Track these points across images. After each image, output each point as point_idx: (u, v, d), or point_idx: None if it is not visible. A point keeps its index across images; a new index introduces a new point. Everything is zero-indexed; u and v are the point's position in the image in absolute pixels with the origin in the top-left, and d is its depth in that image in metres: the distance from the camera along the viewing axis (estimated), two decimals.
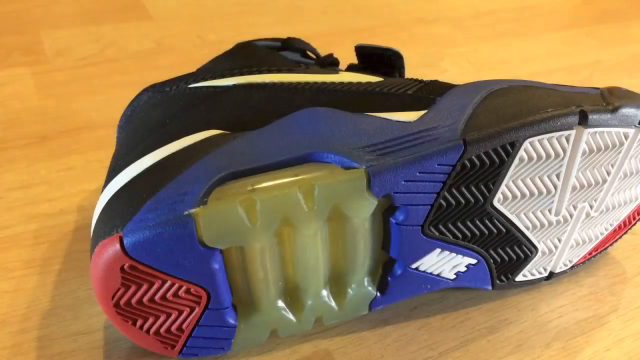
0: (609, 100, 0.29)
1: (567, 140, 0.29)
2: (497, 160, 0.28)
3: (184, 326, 0.28)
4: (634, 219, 0.36)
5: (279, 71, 0.32)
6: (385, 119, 0.28)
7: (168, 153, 0.27)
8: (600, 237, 0.35)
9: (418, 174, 0.27)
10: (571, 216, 0.32)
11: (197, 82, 0.32)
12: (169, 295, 0.27)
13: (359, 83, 0.31)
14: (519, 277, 0.34)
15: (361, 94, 0.30)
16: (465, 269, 0.32)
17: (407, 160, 0.26)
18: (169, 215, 0.24)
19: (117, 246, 0.25)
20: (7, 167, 0.41)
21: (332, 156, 0.26)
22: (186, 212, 0.24)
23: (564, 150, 0.29)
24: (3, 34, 0.56)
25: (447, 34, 0.66)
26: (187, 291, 0.27)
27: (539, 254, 0.33)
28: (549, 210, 0.31)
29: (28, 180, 0.40)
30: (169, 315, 0.28)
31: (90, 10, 0.63)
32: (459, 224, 0.29)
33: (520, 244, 0.32)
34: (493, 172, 0.28)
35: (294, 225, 0.26)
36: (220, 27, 0.63)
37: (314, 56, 0.38)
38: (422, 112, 0.28)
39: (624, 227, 0.36)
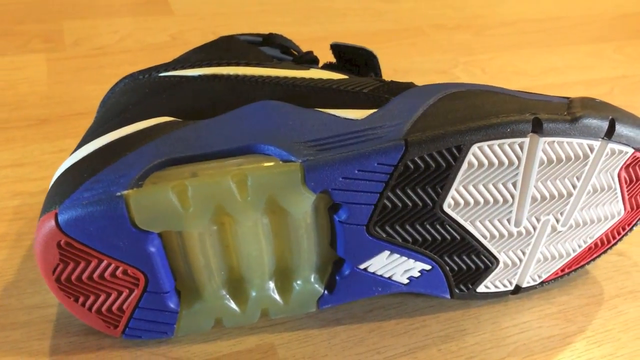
0: (572, 110, 0.28)
1: (521, 148, 0.28)
2: (443, 164, 0.27)
3: (124, 307, 0.29)
4: (614, 238, 0.35)
5: (247, 64, 0.32)
6: (334, 115, 0.28)
7: (119, 136, 0.28)
8: (573, 254, 0.34)
9: (357, 171, 0.26)
10: (534, 229, 0.31)
11: (168, 71, 0.33)
12: (106, 274, 0.27)
13: (320, 79, 0.31)
14: (481, 288, 0.33)
15: (318, 90, 0.30)
16: (419, 274, 0.31)
17: (345, 157, 0.26)
18: (102, 195, 0.25)
19: (53, 222, 0.25)
20: (5, 145, 0.43)
21: (273, 149, 0.27)
22: (118, 194, 0.25)
23: (519, 158, 0.28)
24: (27, 21, 0.59)
25: (467, 41, 0.65)
26: (125, 272, 0.27)
27: (501, 265, 0.32)
28: (508, 221, 0.30)
29: (21, 159, 0.42)
30: (108, 294, 0.28)
31: (114, 2, 0.65)
32: (408, 227, 0.29)
33: (479, 253, 0.31)
34: (440, 175, 0.28)
35: (230, 214, 0.26)
36: (238, 25, 0.63)
37: (296, 53, 0.38)
38: (372, 111, 0.28)
39: (602, 246, 0.35)
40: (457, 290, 0.32)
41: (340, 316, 0.33)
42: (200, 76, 0.32)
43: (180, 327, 0.30)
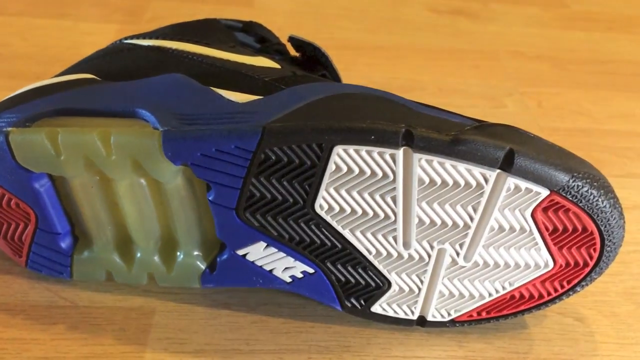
0: (462, 131, 0.26)
1: (394, 159, 0.26)
2: (307, 161, 0.26)
3: (23, 238, 0.31)
4: (548, 294, 0.31)
5: (196, 43, 0.34)
6: (220, 95, 0.28)
7: (45, 83, 0.31)
8: (488, 298, 0.31)
9: (214, 150, 0.26)
10: (429, 256, 0.29)
11: (132, 39, 0.35)
12: (3, 203, 0.30)
13: (243, 64, 0.31)
14: (376, 308, 0.31)
15: (226, 72, 0.31)
16: (302, 275, 0.30)
17: (203, 133, 0.26)
18: None
19: None
20: None
21: (149, 115, 0.28)
22: (4, 129, 0.28)
23: (393, 171, 0.26)
24: None
25: (539, 73, 0.60)
26: (17, 205, 0.30)
27: (395, 288, 0.30)
28: (394, 239, 0.28)
29: None
30: (9, 224, 0.31)
31: None
32: (281, 222, 0.28)
33: (365, 268, 0.29)
34: (305, 172, 0.27)
35: (100, 169, 0.28)
36: (307, 24, 0.65)
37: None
38: (257, 97, 0.28)
39: (530, 299, 0.31)
40: (348, 304, 0.31)
41: (232, 302, 0.33)
42: (147, 46, 0.34)
43: (75, 270, 0.32)
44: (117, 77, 0.31)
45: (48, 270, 0.32)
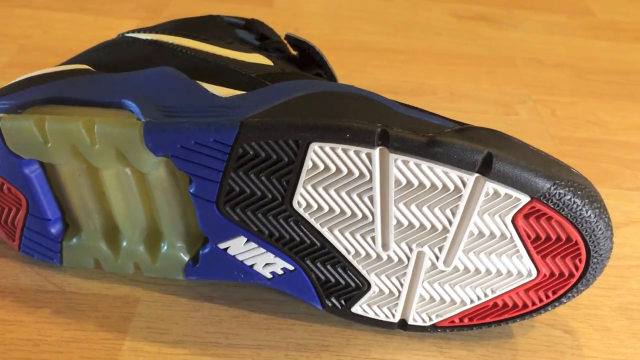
0: (440, 133, 0.26)
1: (370, 159, 0.26)
2: (284, 157, 0.26)
3: (15, 223, 0.32)
4: (533, 304, 0.30)
5: (194, 38, 0.34)
6: (205, 89, 0.29)
7: (44, 72, 0.32)
8: (470, 305, 0.30)
9: (194, 143, 0.27)
10: (408, 258, 0.29)
11: (133, 33, 0.36)
12: None
13: (233, 60, 0.32)
14: (356, 309, 0.31)
15: (215, 67, 0.31)
16: (282, 272, 0.30)
17: (182, 126, 0.27)
18: None
19: None
20: None
21: (134, 107, 0.28)
22: None
23: (369, 171, 0.26)
24: None
25: (556, 81, 0.59)
26: (9, 190, 0.31)
27: (375, 289, 0.30)
28: (373, 240, 0.28)
29: None
30: (2, 208, 0.32)
31: None
32: (261, 217, 0.28)
33: (345, 268, 0.29)
34: (283, 168, 0.27)
35: (85, 157, 0.29)
36: (323, 24, 0.65)
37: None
38: (240, 92, 0.28)
39: (513, 308, 0.30)
40: (328, 303, 0.31)
41: (217, 295, 0.33)
42: (145, 40, 0.34)
43: (65, 257, 0.33)
44: (112, 69, 0.31)
45: (39, 255, 0.33)
